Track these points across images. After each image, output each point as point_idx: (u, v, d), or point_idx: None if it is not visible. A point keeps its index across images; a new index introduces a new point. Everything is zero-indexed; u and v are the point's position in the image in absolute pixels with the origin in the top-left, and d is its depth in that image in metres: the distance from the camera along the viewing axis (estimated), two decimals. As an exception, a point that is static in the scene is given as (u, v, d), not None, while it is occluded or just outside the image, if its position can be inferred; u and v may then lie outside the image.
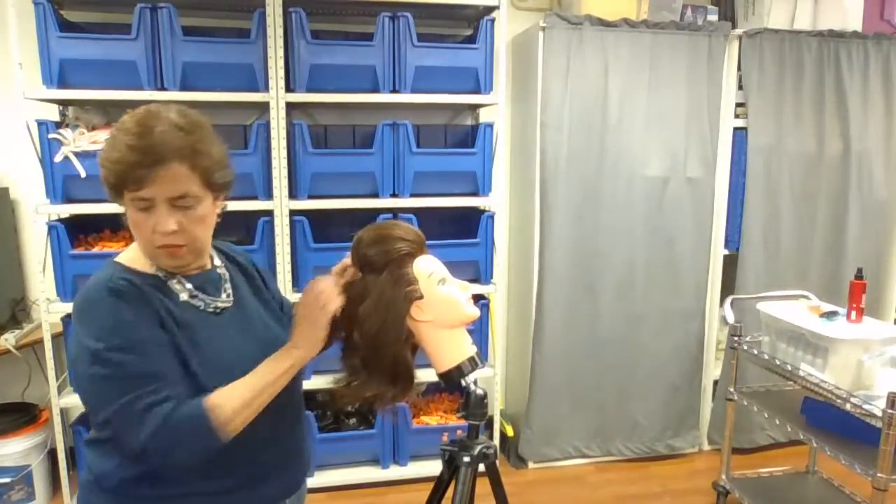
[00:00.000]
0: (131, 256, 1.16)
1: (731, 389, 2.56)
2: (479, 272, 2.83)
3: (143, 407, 1.02)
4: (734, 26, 2.97)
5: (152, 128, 1.04)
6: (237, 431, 1.07)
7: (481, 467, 1.33)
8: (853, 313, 2.23)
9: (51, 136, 2.39)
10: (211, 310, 1.18)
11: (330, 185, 2.63)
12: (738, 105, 2.99)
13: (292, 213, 2.61)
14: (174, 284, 1.15)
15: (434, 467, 1.47)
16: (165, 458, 1.05)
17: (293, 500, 1.30)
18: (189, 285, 1.16)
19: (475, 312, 1.24)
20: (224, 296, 1.22)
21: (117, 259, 1.17)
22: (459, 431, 2.42)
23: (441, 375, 1.25)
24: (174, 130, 1.05)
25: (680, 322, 3.07)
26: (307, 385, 2.70)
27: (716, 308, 3.10)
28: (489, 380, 2.90)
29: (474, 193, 2.77)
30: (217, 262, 1.26)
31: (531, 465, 3.07)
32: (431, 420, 2.93)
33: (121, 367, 1.03)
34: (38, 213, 2.43)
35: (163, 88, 2.45)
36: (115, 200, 1.09)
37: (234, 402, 1.07)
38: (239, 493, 1.17)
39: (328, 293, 1.15)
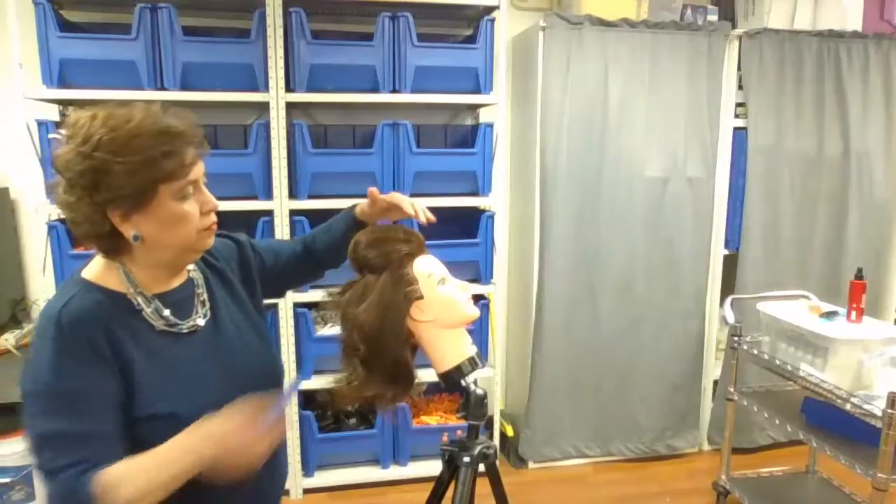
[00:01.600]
0: (98, 272, 1.08)
1: (731, 389, 2.56)
2: (479, 272, 2.83)
3: (51, 469, 0.96)
4: (734, 26, 2.97)
5: (165, 115, 1.02)
6: None
7: (481, 467, 1.33)
8: (853, 313, 2.23)
9: (51, 136, 2.38)
10: (186, 331, 1.12)
11: (330, 185, 2.63)
12: (738, 105, 2.99)
13: (292, 213, 2.61)
14: (150, 313, 1.08)
15: (434, 467, 1.47)
16: None
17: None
18: (166, 312, 1.09)
19: (475, 312, 1.24)
20: (201, 308, 1.16)
21: (83, 274, 1.08)
22: (459, 431, 2.43)
23: (441, 376, 1.25)
24: (179, 113, 1.05)
25: (680, 322, 3.07)
26: (308, 385, 2.73)
27: (716, 308, 3.10)
28: (489, 380, 2.90)
29: (474, 193, 2.77)
30: (191, 265, 1.18)
31: (531, 465, 3.07)
32: (431, 420, 2.94)
33: (40, 416, 0.97)
34: (38, 213, 2.43)
35: (163, 88, 2.45)
36: (139, 207, 1.00)
37: (133, 485, 0.95)
38: None
39: (263, 439, 1.00)
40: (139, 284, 1.08)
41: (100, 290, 1.05)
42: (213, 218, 1.09)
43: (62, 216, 2.63)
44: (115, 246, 1.04)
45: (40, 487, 2.77)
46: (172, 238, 1.05)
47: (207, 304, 1.17)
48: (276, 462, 1.19)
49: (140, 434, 1.03)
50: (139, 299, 1.07)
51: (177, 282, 1.14)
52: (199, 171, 1.05)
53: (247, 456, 0.99)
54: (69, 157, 0.98)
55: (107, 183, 0.97)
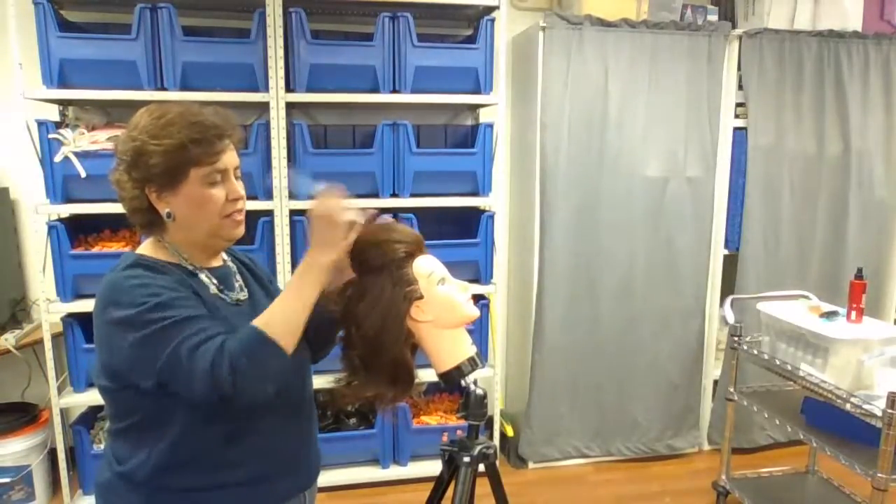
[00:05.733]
0: (150, 249, 1.18)
1: (731, 389, 2.56)
2: (479, 272, 2.83)
3: (193, 345, 1.02)
4: (734, 26, 2.97)
5: (203, 109, 1.14)
6: (290, 350, 1.06)
7: (481, 467, 1.33)
8: (853, 313, 2.23)
9: (51, 136, 2.39)
10: (233, 301, 1.22)
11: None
12: (738, 105, 2.99)
13: (292, 213, 2.61)
14: (203, 277, 1.18)
15: (434, 467, 1.47)
16: (238, 386, 1.01)
17: (308, 494, 1.32)
18: (215, 280, 1.20)
19: (475, 312, 1.24)
20: (238, 288, 1.26)
21: (136, 252, 1.19)
22: (459, 431, 2.42)
23: (441, 376, 1.25)
24: (217, 110, 1.16)
25: (680, 322, 3.07)
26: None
27: (716, 308, 3.10)
28: (489, 380, 2.90)
29: (474, 193, 2.77)
30: (225, 256, 1.30)
31: (531, 465, 3.07)
32: (431, 420, 2.94)
33: (160, 322, 1.03)
34: (38, 213, 2.43)
35: (163, 88, 2.46)
36: (169, 187, 1.11)
37: (278, 320, 1.07)
38: (263, 484, 1.19)
39: (342, 208, 1.13)
40: (188, 257, 1.19)
41: (157, 260, 1.16)
42: (239, 206, 1.18)
43: (61, 216, 2.65)
44: (152, 221, 1.15)
45: (40, 485, 2.77)
46: (199, 219, 1.15)
47: (245, 288, 1.27)
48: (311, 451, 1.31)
49: None
50: (189, 266, 1.18)
51: (216, 263, 1.25)
52: (229, 161, 1.16)
53: (337, 232, 1.12)
54: (122, 140, 1.14)
55: (144, 161, 1.10)
